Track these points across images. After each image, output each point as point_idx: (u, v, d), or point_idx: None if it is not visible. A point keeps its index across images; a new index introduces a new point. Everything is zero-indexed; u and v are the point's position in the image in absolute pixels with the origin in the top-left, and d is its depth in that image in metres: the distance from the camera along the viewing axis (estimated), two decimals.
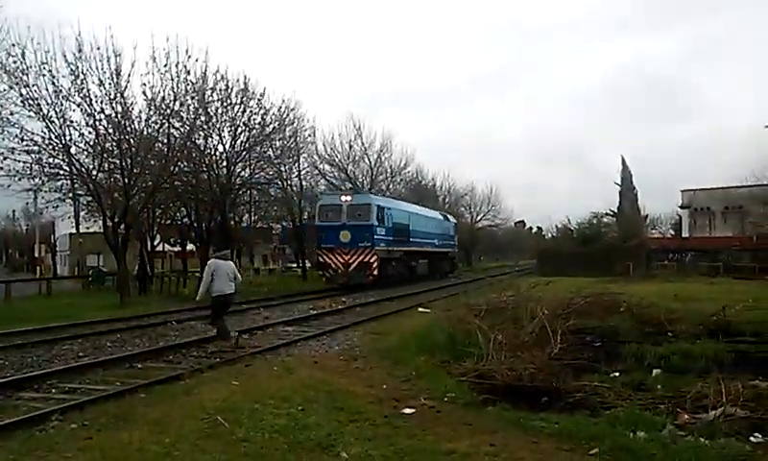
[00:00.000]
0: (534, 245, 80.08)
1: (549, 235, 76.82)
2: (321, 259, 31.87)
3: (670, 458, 5.90)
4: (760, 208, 46.29)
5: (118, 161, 24.17)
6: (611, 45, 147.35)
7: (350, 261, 30.51)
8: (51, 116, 22.81)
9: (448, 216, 51.76)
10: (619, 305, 16.95)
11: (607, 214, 60.06)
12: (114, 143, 24.04)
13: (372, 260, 30.52)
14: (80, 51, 22.66)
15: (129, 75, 23.45)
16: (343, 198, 32.28)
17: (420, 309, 21.16)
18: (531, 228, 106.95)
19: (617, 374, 10.33)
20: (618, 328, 14.37)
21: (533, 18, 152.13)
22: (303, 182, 45.95)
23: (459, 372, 10.01)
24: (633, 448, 6.20)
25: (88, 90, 23.01)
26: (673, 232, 59.04)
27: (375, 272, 30.67)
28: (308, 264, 51.22)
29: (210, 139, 30.33)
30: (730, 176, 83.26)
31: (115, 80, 23.23)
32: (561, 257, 48.15)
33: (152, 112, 24.70)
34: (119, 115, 23.68)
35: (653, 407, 8.02)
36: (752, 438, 6.69)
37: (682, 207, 54.69)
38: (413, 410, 7.93)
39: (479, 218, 74.85)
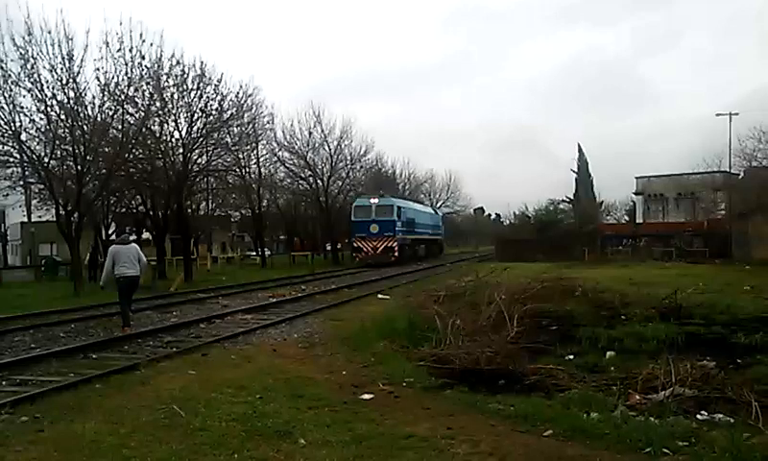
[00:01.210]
0: (493, 231, 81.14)
1: (507, 222, 77.92)
2: (355, 245, 42.98)
3: (621, 438, 6.04)
4: (711, 195, 47.59)
5: (71, 148, 23.55)
6: (568, 33, 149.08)
7: (378, 246, 41.42)
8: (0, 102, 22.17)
9: (437, 210, 65.40)
10: (575, 290, 17.30)
11: (563, 201, 61.13)
12: (67, 130, 23.43)
13: (394, 245, 41.47)
14: (29, 34, 22.06)
15: (81, 60, 22.91)
16: (372, 200, 42.84)
17: (380, 296, 21.25)
18: (490, 214, 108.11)
19: (572, 356, 10.55)
20: (574, 312, 14.63)
21: (491, 3, 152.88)
22: (262, 170, 45.68)
23: (418, 357, 10.09)
24: (586, 429, 6.33)
25: (39, 75, 22.44)
26: (628, 218, 60.23)
27: (396, 254, 41.45)
28: (267, 252, 51.00)
29: (166, 126, 29.66)
30: (683, 163, 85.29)
31: (67, 64, 22.65)
32: (519, 243, 48.97)
33: (105, 98, 24.16)
34: (71, 101, 23.12)
35: (606, 389, 8.22)
36: (698, 416, 6.91)
37: (636, 194, 55.79)
38: (372, 396, 7.96)
39: (439, 205, 75.42)
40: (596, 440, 6.07)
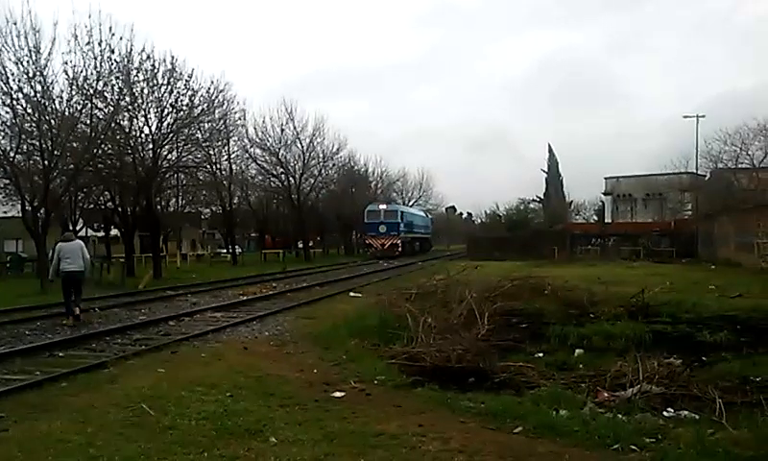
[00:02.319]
0: (464, 230, 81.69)
1: (479, 221, 78.49)
2: (367, 242, 53.58)
3: (590, 434, 6.11)
4: (678, 195, 48.41)
5: (38, 143, 23.14)
6: (541, 33, 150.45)
7: (386, 243, 50.84)
8: None
9: (428, 213, 75.06)
10: (544, 288, 17.46)
11: (534, 200, 61.83)
12: (33, 124, 23.03)
13: (398, 242, 51.35)
14: None
15: (49, 53, 22.48)
16: (381, 206, 53.61)
17: (352, 294, 21.22)
18: (461, 213, 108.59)
19: (542, 354, 10.67)
20: (543, 310, 14.79)
21: (465, 3, 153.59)
22: (234, 166, 45.30)
23: (389, 354, 10.11)
24: (555, 426, 6.39)
25: (4, 67, 22.03)
26: (596, 218, 61.02)
27: (400, 249, 51.13)
28: (238, 249, 50.58)
29: (136, 121, 29.13)
30: (652, 164, 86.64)
31: (34, 57, 22.22)
32: (490, 242, 49.51)
33: (74, 92, 23.77)
34: (38, 95, 22.71)
35: (574, 386, 8.32)
36: (665, 413, 7.03)
37: (605, 194, 56.55)
38: (343, 393, 7.94)
39: (411, 204, 75.49)
40: (565, 437, 6.13)
